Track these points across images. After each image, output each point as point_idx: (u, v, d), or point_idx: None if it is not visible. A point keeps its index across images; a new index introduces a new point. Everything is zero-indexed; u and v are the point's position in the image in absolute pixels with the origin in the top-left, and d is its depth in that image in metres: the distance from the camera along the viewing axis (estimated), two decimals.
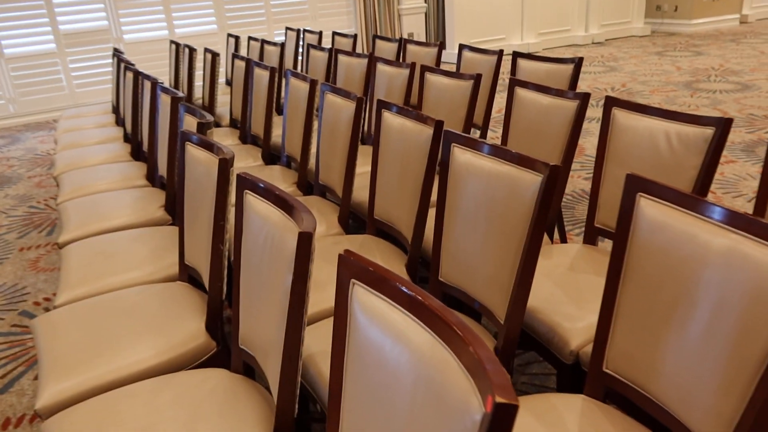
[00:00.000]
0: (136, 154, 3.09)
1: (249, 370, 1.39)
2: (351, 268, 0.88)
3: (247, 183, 1.25)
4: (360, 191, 2.37)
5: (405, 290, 0.80)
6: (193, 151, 1.63)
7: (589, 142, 4.19)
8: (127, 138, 3.39)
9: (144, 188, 2.56)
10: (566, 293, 1.56)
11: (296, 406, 1.12)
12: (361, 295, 0.87)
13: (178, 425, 1.18)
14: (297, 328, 1.04)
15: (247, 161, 2.90)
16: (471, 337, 0.69)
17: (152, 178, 2.68)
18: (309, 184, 2.60)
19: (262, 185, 1.19)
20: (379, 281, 0.84)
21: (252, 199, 1.25)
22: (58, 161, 3.06)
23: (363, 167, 2.71)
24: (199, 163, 1.59)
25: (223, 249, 1.47)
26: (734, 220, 0.96)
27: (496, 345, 1.40)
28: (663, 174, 1.65)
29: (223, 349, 1.55)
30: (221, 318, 1.54)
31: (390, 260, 1.83)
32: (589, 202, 1.85)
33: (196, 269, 1.70)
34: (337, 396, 0.92)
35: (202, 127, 1.85)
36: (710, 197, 3.14)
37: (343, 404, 0.92)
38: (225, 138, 3.35)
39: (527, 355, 2.05)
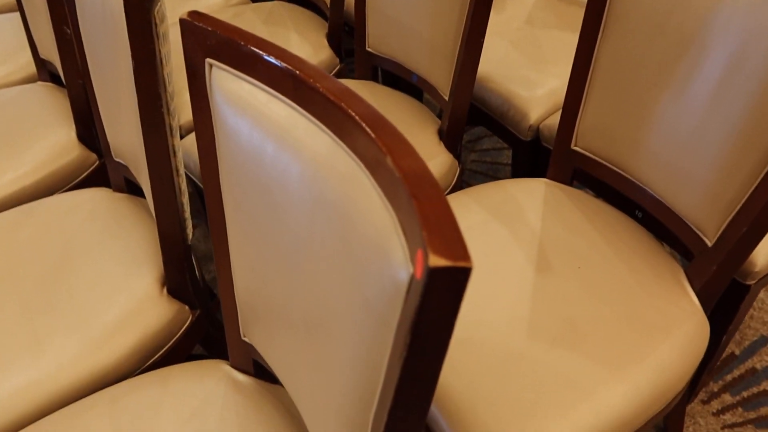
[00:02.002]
0: None
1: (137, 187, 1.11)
2: (202, 40, 0.55)
3: None
4: None
5: (283, 66, 0.49)
6: None
7: None
8: None
9: None
10: (523, 54, 1.27)
11: (187, 230, 0.87)
12: (224, 81, 0.56)
13: (47, 261, 0.94)
14: (158, 133, 0.74)
15: None
16: (391, 139, 0.41)
17: None
18: None
19: None
20: (245, 56, 0.52)
21: None
22: None
23: None
24: None
25: (69, 32, 1.09)
26: None
27: (441, 126, 1.13)
28: None
29: (109, 163, 1.25)
30: (95, 124, 1.21)
31: (306, 30, 1.47)
32: None
33: (54, 64, 1.32)
34: (220, 226, 0.66)
35: None
36: None
37: (229, 236, 0.66)
38: None
39: (477, 130, 1.82)
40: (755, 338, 1.26)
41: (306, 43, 1.42)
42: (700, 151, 0.76)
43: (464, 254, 0.31)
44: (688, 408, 1.15)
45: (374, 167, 0.42)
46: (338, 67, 1.44)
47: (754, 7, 0.68)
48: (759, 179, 0.70)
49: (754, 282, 0.90)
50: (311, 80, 0.47)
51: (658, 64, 0.79)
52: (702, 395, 1.17)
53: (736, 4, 0.70)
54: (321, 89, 0.47)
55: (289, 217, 0.52)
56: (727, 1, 0.70)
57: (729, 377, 1.20)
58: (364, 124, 0.43)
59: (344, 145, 0.45)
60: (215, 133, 0.60)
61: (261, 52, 0.51)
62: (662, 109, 0.80)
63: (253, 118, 0.53)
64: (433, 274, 0.31)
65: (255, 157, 0.54)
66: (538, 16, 1.38)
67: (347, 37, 1.52)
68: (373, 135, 0.41)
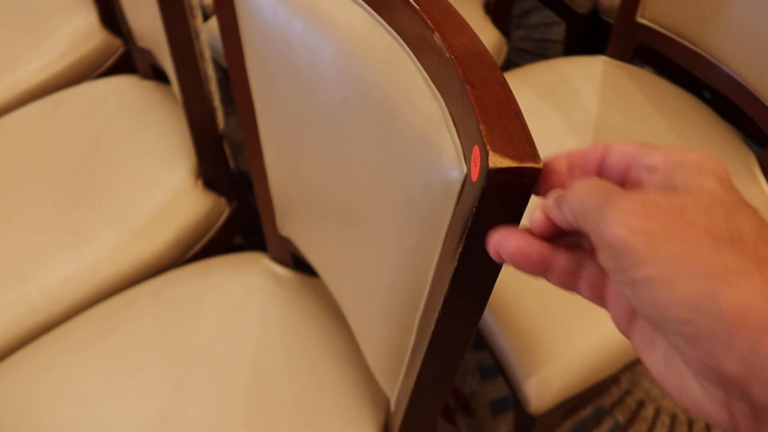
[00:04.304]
0: None
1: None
2: None
3: None
4: None
5: None
6: None
7: None
8: None
9: None
10: None
11: (218, 120, 0.83)
12: None
13: (78, 154, 0.92)
14: (178, 13, 0.67)
15: None
16: (439, 12, 0.34)
17: None
18: None
19: None
20: None
21: None
22: None
23: None
24: None
25: None
26: None
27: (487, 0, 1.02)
28: None
29: (133, 49, 1.19)
30: (117, 7, 1.14)
31: None
32: None
33: None
34: (248, 114, 0.61)
35: None
36: None
37: (260, 127, 0.61)
38: None
39: (524, 2, 1.67)
40: None
41: None
42: None
43: (531, 152, 0.26)
44: None
45: (419, 47, 0.36)
46: None
47: None
48: None
49: None
50: None
51: None
52: None
53: None
54: None
55: (322, 102, 0.46)
56: None
57: None
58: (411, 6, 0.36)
59: (383, 21, 0.39)
60: (236, 12, 0.53)
61: None
62: None
63: None
64: (493, 176, 0.25)
65: (281, 36, 0.48)
66: None
67: None
68: (417, 7, 0.35)
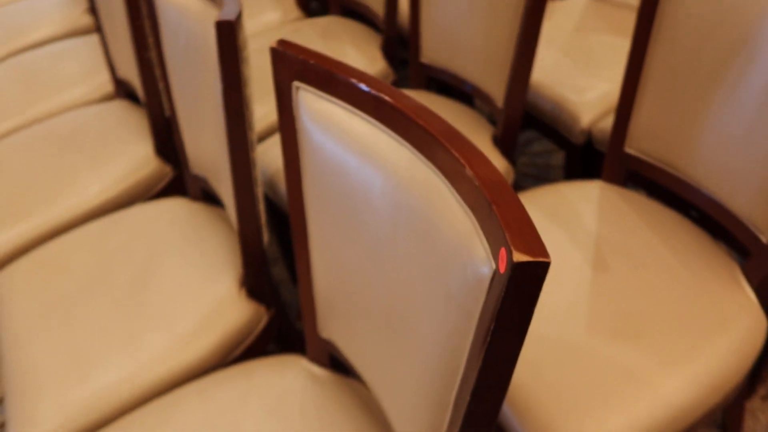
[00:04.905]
0: None
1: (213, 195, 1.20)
2: (290, 66, 0.62)
3: None
4: None
5: (365, 89, 0.55)
6: None
7: None
8: None
9: None
10: (573, 60, 1.30)
11: (263, 234, 0.95)
12: (309, 101, 0.62)
13: (134, 267, 1.03)
14: (242, 149, 0.81)
15: None
16: (468, 151, 0.47)
17: None
18: None
19: None
20: (329, 79, 0.59)
21: None
22: None
23: None
24: None
25: (149, 56, 1.18)
26: None
27: (495, 133, 1.18)
28: None
29: (183, 176, 1.34)
30: (171, 138, 1.30)
31: (361, 44, 1.54)
32: None
33: (131, 84, 1.42)
34: (302, 233, 0.73)
35: None
36: None
37: (310, 241, 0.73)
38: None
39: (527, 133, 1.85)
40: None
41: (361, 55, 1.49)
42: (752, 152, 0.79)
43: (543, 251, 0.36)
44: (748, 404, 1.17)
45: (453, 177, 0.48)
46: (392, 78, 1.50)
47: None
48: None
49: None
50: (392, 100, 0.53)
51: (709, 67, 0.82)
52: (762, 391, 1.18)
53: None
54: (401, 108, 0.53)
55: (371, 221, 0.58)
56: None
57: None
58: (442, 139, 0.48)
59: (424, 158, 0.51)
60: (299, 147, 0.66)
61: (344, 75, 0.57)
62: (715, 111, 0.83)
63: (337, 134, 0.60)
64: (517, 268, 0.36)
65: (339, 169, 0.60)
66: (587, 22, 1.41)
67: (400, 49, 1.58)
68: (452, 149, 0.47)
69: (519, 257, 0.36)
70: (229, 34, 0.70)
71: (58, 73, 1.66)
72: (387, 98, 0.54)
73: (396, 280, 0.57)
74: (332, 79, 0.59)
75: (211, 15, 0.81)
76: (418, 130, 0.51)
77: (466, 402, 0.47)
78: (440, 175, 0.50)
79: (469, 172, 0.45)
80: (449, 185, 0.48)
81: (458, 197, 0.47)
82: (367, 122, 0.57)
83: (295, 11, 1.80)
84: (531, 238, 0.37)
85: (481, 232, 0.43)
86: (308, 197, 0.69)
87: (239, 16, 0.73)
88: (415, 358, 0.56)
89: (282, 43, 0.62)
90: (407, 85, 1.44)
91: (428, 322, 0.52)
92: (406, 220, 0.53)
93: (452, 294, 0.47)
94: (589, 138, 1.20)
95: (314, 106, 0.62)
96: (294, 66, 0.61)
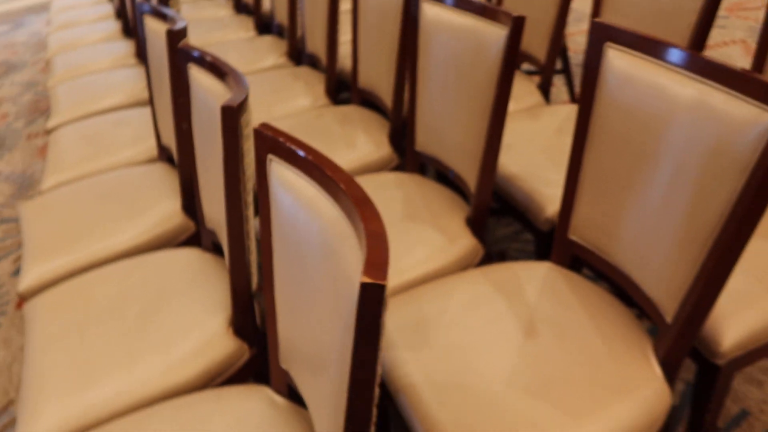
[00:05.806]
0: (128, 30, 2.98)
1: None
2: (266, 143, 0.82)
3: (187, 55, 1.17)
4: (348, 59, 2.24)
5: (315, 163, 0.74)
6: (149, 23, 1.53)
7: None
8: (119, 14, 3.26)
9: (134, 67, 2.49)
10: (549, 158, 1.48)
11: (253, 281, 1.12)
12: (278, 170, 0.81)
13: (145, 301, 1.21)
14: (236, 206, 1.00)
15: (238, 33, 2.77)
16: (367, 212, 0.64)
17: (141, 55, 2.60)
18: (301, 54, 2.48)
19: (197, 54, 1.11)
20: (293, 155, 0.78)
21: (196, 72, 1.17)
22: (50, 43, 2.98)
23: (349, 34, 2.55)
24: (156, 35, 1.49)
25: (186, 127, 1.42)
26: (702, 67, 0.85)
27: (468, 215, 1.35)
28: (661, 23, 1.48)
29: (202, 229, 1.55)
30: (198, 199, 1.52)
31: (372, 131, 1.76)
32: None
33: (170, 149, 1.67)
34: (269, 275, 0.90)
35: None
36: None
37: (275, 282, 0.90)
38: (219, 9, 3.19)
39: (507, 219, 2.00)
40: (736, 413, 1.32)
41: (370, 140, 1.71)
42: (656, 243, 0.93)
43: (380, 276, 0.52)
44: None
45: (356, 226, 0.65)
46: (396, 162, 1.70)
47: (694, 124, 0.87)
48: (698, 269, 0.86)
49: (723, 362, 1.02)
50: (329, 172, 0.72)
51: (627, 171, 0.98)
52: None
53: (680, 121, 0.89)
54: (334, 178, 0.71)
55: (309, 263, 0.75)
56: (675, 120, 0.90)
57: None
58: (355, 203, 0.66)
59: (343, 214, 0.69)
60: (270, 205, 0.85)
61: (301, 152, 0.76)
62: (630, 207, 0.98)
63: (293, 194, 0.78)
64: (364, 287, 0.52)
65: (292, 221, 0.78)
66: (567, 125, 1.59)
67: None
68: (357, 208, 0.64)
69: (366, 278, 0.52)
70: (231, 117, 0.91)
71: (116, 136, 1.93)
72: (328, 172, 0.72)
73: (317, 319, 0.73)
74: (293, 154, 0.78)
75: (226, 98, 1.03)
76: (343, 196, 0.69)
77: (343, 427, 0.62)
78: (351, 226, 0.67)
79: (363, 225, 0.62)
80: (354, 233, 0.65)
81: (357, 242, 0.64)
82: (313, 186, 0.75)
83: (323, 99, 2.05)
84: (378, 269, 0.53)
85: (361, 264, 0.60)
86: (275, 246, 0.86)
87: (243, 102, 0.94)
88: (333, 388, 0.71)
89: (263, 125, 0.82)
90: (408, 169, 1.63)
91: (334, 365, 0.68)
92: (328, 258, 0.70)
93: (342, 314, 0.63)
94: (554, 226, 1.35)
95: (281, 173, 0.81)
96: (269, 143, 0.81)
